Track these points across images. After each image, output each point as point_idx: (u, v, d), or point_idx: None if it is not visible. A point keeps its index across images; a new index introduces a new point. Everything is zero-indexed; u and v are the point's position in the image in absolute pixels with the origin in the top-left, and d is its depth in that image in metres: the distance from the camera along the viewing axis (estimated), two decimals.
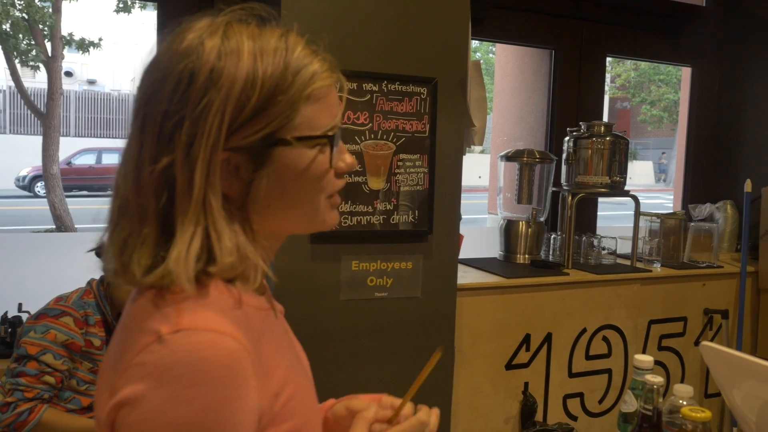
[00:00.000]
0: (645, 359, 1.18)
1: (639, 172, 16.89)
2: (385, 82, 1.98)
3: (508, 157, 2.79)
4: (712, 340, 2.91)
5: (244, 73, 0.72)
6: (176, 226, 0.70)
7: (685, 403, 1.07)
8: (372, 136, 1.97)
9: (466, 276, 2.40)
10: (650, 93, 16.28)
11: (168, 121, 0.71)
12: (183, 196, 0.70)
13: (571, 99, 3.12)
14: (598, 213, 3.24)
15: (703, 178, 3.51)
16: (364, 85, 1.95)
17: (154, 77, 0.74)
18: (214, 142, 0.71)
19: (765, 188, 2.95)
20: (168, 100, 0.71)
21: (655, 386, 1.04)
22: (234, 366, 0.67)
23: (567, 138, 2.81)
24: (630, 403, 1.12)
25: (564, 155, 2.81)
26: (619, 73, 16.00)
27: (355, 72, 1.93)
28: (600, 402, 2.63)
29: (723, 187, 3.40)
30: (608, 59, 3.33)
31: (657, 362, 2.77)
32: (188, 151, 0.70)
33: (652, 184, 15.84)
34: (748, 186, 2.88)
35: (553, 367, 2.51)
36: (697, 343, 2.89)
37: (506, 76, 3.83)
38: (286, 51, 0.75)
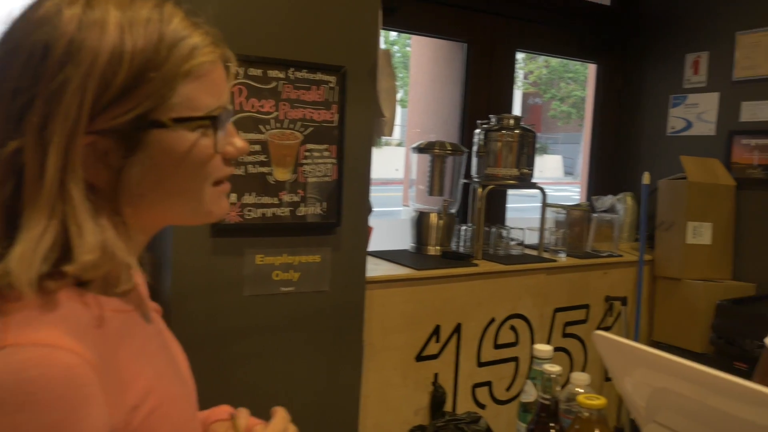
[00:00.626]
0: (543, 349, 1.19)
1: (549, 166, 17.53)
2: (292, 69, 1.92)
3: (420, 149, 2.79)
4: (612, 326, 3.04)
5: (109, 46, 0.64)
6: (23, 219, 0.62)
7: (581, 390, 1.09)
8: (278, 125, 1.91)
9: (376, 269, 2.38)
10: (560, 90, 16.93)
11: (17, 100, 0.63)
12: (33, 185, 0.62)
13: (483, 92, 3.15)
14: (509, 205, 3.31)
15: (605, 171, 3.65)
16: (269, 72, 1.88)
17: (4, 50, 0.65)
18: (72, 125, 0.63)
19: (661, 181, 3.09)
20: (18, 76, 0.63)
21: (552, 375, 1.05)
22: (70, 384, 0.59)
23: (477, 131, 2.84)
24: (529, 393, 1.13)
25: (475, 148, 2.84)
26: (531, 69, 16.52)
27: (260, 58, 1.86)
28: (507, 389, 2.68)
29: (624, 179, 3.55)
30: (521, 55, 3.39)
31: (561, 349, 2.86)
32: (41, 134, 0.62)
33: (561, 177, 16.48)
34: (646, 178, 3.02)
35: (463, 357, 2.54)
36: (599, 329, 3.00)
37: (421, 69, 3.84)
38: (161, 22, 0.68)
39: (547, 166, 17.39)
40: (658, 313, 3.10)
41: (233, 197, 1.83)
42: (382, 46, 2.19)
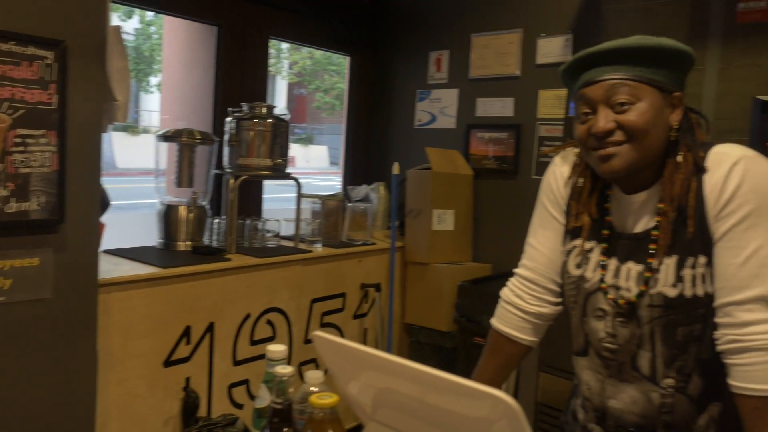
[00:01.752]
0: (275, 350, 1.13)
1: (315, 156, 17.86)
2: None
3: (167, 137, 2.58)
4: (368, 312, 3.14)
5: None
6: None
7: (316, 389, 1.05)
8: None
9: (115, 269, 2.15)
10: (324, 81, 17.31)
11: None
12: None
13: (236, 80, 3.03)
14: (267, 196, 3.23)
15: (361, 162, 3.76)
16: None
17: None
18: None
19: (409, 171, 3.26)
20: None
21: (284, 378, 1.00)
22: None
23: (229, 119, 2.71)
24: (263, 398, 1.07)
25: (226, 137, 2.71)
26: (296, 60, 16.63)
27: None
28: None
29: (377, 170, 3.69)
30: (286, 45, 3.31)
31: None
32: None
33: (327, 167, 16.90)
34: (395, 169, 3.15)
35: (217, 357, 2.41)
36: (356, 316, 3.08)
37: (174, 52, 3.57)
38: None
39: (313, 156, 17.70)
40: (409, 296, 3.27)
41: None
42: (116, 21, 1.96)
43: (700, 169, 1.09)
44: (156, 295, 2.19)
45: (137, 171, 11.39)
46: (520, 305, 1.33)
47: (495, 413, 0.63)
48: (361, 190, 3.50)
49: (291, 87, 18.72)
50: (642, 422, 1.18)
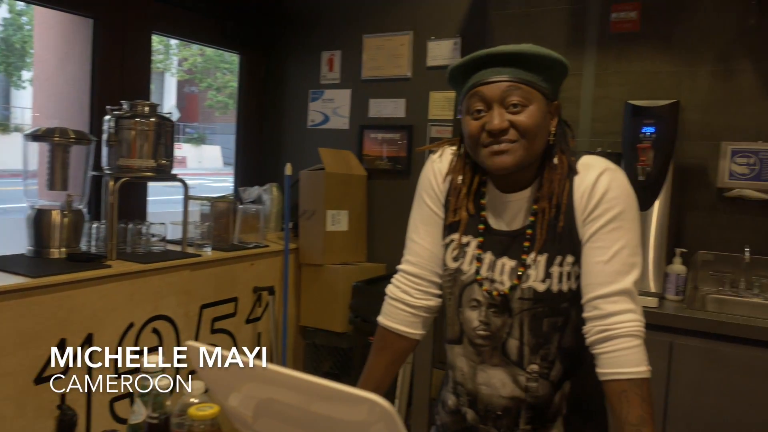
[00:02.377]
0: (150, 361, 1.06)
1: (208, 156, 17.33)
2: None
3: (36, 137, 2.40)
4: (261, 316, 3.07)
5: None
6: None
7: (196, 401, 1.00)
8: None
9: None
10: (216, 79, 16.82)
11: None
12: None
13: (115, 76, 2.86)
14: (155, 198, 3.08)
15: (253, 162, 3.67)
16: None
17: None
18: None
19: (302, 172, 3.22)
20: None
21: (161, 390, 0.94)
22: None
23: (107, 117, 2.55)
24: (138, 413, 1.00)
25: (105, 136, 2.55)
26: (186, 56, 16.06)
27: None
28: None
29: (270, 170, 3.61)
30: (175, 41, 3.16)
31: (211, 345, 2.78)
32: None
33: (221, 168, 16.45)
34: (288, 169, 3.10)
35: (96, 370, 2.26)
36: (249, 321, 3.00)
37: (47, 45, 3.32)
38: None
39: (206, 156, 17.16)
40: (304, 299, 3.23)
41: None
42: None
43: (572, 173, 1.20)
44: (25, 308, 2.02)
45: (8, 173, 10.56)
46: (407, 300, 1.35)
47: (372, 416, 0.64)
48: (254, 191, 3.41)
49: (181, 85, 18.06)
50: (509, 404, 1.26)
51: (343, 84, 3.43)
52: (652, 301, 2.33)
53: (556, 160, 1.20)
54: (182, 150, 17.15)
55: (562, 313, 1.21)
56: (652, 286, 2.46)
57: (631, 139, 2.45)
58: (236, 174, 3.64)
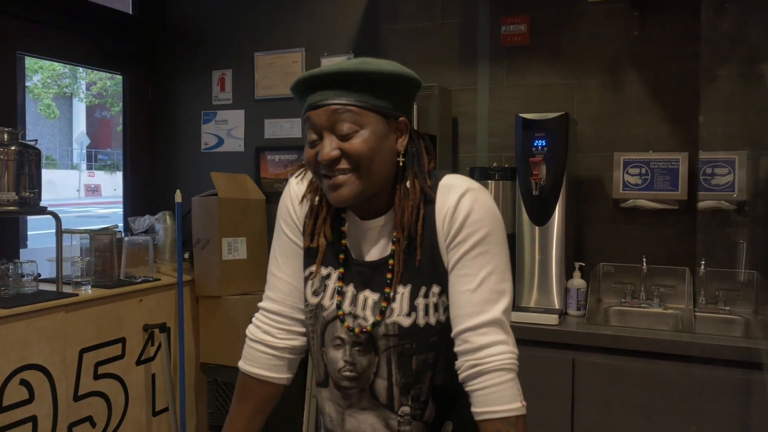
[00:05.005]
0: None
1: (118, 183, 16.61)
2: None
3: None
4: (155, 356, 2.85)
5: None
6: None
7: None
8: None
9: None
10: None
11: None
12: None
13: None
14: (39, 232, 2.82)
15: (143, 190, 3.45)
16: None
17: None
18: None
19: (194, 198, 3.03)
20: None
21: None
22: None
23: None
24: None
25: None
26: (94, 80, 15.38)
27: None
28: None
29: (162, 197, 3.40)
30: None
31: (96, 393, 2.54)
32: None
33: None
34: (178, 197, 2.90)
35: None
36: (140, 362, 2.78)
37: None
38: None
39: (120, 184, 16.44)
40: (203, 333, 3.03)
41: None
42: None
43: (428, 198, 1.10)
44: None
45: None
46: (269, 341, 1.23)
47: None
48: (145, 220, 3.20)
49: (91, 110, 17.29)
50: None
51: (237, 104, 3.28)
52: (553, 318, 2.28)
53: (408, 184, 1.10)
54: (95, 178, 16.38)
55: (432, 349, 1.11)
56: (555, 303, 2.41)
57: (524, 152, 2.41)
58: (125, 203, 3.41)
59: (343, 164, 1.05)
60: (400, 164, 1.11)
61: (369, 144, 1.04)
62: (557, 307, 2.41)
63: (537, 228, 2.44)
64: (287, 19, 3.16)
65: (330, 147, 1.04)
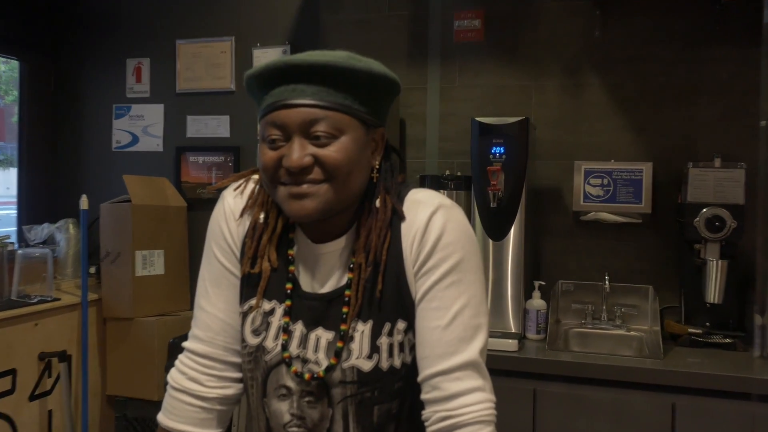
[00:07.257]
0: None
1: None
2: None
3: None
4: (52, 390, 2.45)
5: None
6: None
7: None
8: None
9: None
10: None
11: None
12: None
13: None
14: None
15: (42, 195, 3.02)
16: None
17: None
18: None
19: (103, 205, 2.64)
20: None
21: None
22: None
23: None
24: None
25: None
26: None
27: None
28: None
29: (65, 203, 2.97)
30: None
31: None
32: None
33: None
34: (84, 203, 2.51)
35: None
36: (34, 397, 2.38)
37: None
38: None
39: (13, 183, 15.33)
40: (111, 361, 2.64)
41: None
42: None
43: (396, 217, 0.95)
44: None
45: None
46: (197, 391, 1.01)
47: None
48: (43, 229, 2.78)
49: None
50: None
51: (155, 98, 2.91)
52: (512, 344, 2.06)
53: (378, 203, 0.94)
54: None
55: (396, 396, 0.95)
56: (512, 326, 2.20)
57: (481, 160, 2.19)
58: (20, 208, 2.97)
59: (316, 174, 0.88)
60: (374, 180, 0.95)
61: (347, 154, 0.88)
62: (514, 331, 2.20)
63: (492, 243, 2.22)
64: (214, 4, 2.82)
65: (301, 152, 0.87)
